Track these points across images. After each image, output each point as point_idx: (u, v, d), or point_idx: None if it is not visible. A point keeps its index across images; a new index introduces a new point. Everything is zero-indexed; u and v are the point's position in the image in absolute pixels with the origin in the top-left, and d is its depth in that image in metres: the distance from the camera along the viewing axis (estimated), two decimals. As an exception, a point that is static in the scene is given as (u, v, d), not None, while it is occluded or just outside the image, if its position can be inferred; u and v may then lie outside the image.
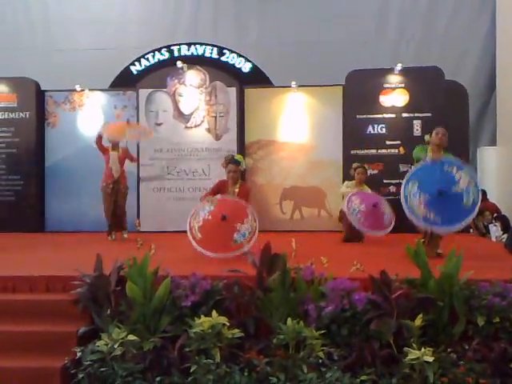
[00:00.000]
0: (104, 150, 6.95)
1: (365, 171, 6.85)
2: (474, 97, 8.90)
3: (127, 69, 8.78)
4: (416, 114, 7.86)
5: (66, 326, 3.75)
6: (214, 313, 3.47)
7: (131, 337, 3.49)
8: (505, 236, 6.53)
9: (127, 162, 7.09)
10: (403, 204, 4.83)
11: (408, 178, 4.90)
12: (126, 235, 7.01)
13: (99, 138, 6.87)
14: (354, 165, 6.93)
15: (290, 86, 8.26)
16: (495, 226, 7.24)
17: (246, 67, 8.72)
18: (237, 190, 5.70)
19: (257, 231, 5.01)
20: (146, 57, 8.78)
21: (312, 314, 3.52)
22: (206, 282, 3.70)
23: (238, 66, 8.72)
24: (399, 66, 7.91)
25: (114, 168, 6.90)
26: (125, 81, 8.66)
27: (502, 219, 7.53)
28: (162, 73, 8.40)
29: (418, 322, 3.38)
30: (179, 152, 8.28)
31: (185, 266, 4.47)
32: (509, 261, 4.75)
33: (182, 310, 3.60)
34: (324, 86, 8.21)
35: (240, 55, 8.76)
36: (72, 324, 3.75)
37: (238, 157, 5.97)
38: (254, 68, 8.72)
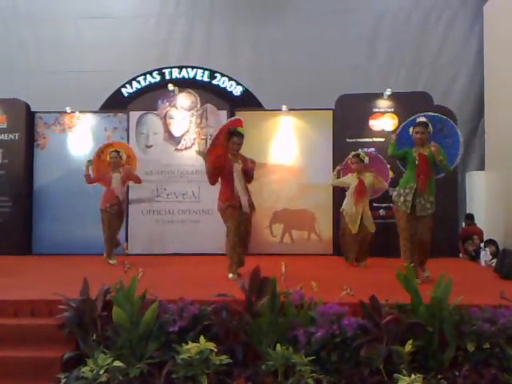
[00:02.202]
0: (98, 180, 6.98)
1: (358, 160, 6.64)
2: (463, 122, 9.02)
3: (118, 91, 8.80)
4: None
5: (51, 351, 3.68)
6: (202, 338, 3.43)
7: (117, 363, 3.42)
8: (494, 260, 6.55)
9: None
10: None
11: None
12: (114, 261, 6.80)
13: (87, 176, 6.93)
14: (350, 155, 6.87)
15: (280, 110, 8.34)
16: (484, 250, 7.27)
17: (237, 90, 8.79)
18: (240, 166, 5.44)
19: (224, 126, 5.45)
20: (137, 79, 8.82)
21: (301, 340, 3.49)
22: (193, 306, 3.66)
23: (229, 89, 8.78)
24: (389, 91, 8.03)
25: (117, 189, 6.86)
26: (116, 103, 8.68)
27: (492, 243, 7.56)
28: (153, 95, 8.46)
29: (408, 347, 3.36)
30: (169, 174, 8.29)
31: (173, 290, 4.44)
32: (498, 286, 4.76)
33: (170, 335, 3.55)
34: (314, 109, 8.30)
35: (231, 78, 8.84)
36: (57, 349, 3.69)
37: (241, 129, 5.54)
38: (245, 91, 8.79)
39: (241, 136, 5.45)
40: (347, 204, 6.71)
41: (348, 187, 6.82)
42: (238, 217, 5.39)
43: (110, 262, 6.73)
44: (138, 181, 7.19)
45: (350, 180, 6.74)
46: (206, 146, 5.49)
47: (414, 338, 3.41)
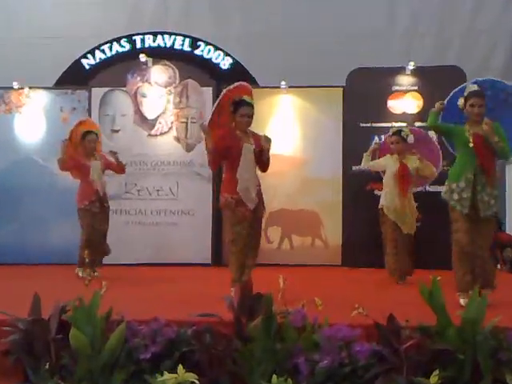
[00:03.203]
0: (72, 169, 6.82)
1: (400, 139, 6.39)
2: (503, 103, 9.07)
3: (78, 63, 8.78)
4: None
5: (-7, 383, 3.68)
6: (181, 368, 3.43)
7: (75, 398, 3.42)
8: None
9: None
10: None
11: None
12: (97, 273, 6.63)
13: (62, 161, 6.74)
14: (390, 131, 6.66)
15: (278, 87, 8.34)
16: (528, 260, 7.32)
17: (225, 63, 8.79)
18: (253, 146, 5.18)
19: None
20: (101, 48, 8.80)
21: (303, 370, 3.49)
22: (170, 328, 3.65)
23: (215, 61, 8.78)
24: (412, 65, 8.05)
25: (97, 181, 6.75)
26: (75, 77, 8.66)
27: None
28: (121, 68, 8.45)
29: (434, 379, 3.37)
30: (141, 166, 8.29)
31: (144, 308, 4.43)
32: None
33: (140, 364, 3.54)
34: (320, 87, 8.33)
35: (218, 48, 8.83)
36: (0, 381, 3.67)
37: (249, 98, 5.32)
38: (235, 64, 8.79)
39: (250, 106, 5.19)
40: (388, 197, 6.43)
41: (384, 172, 6.61)
42: (250, 216, 5.07)
43: (94, 274, 6.52)
44: (121, 169, 7.09)
45: (389, 163, 6.51)
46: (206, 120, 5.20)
47: (440, 368, 3.42)
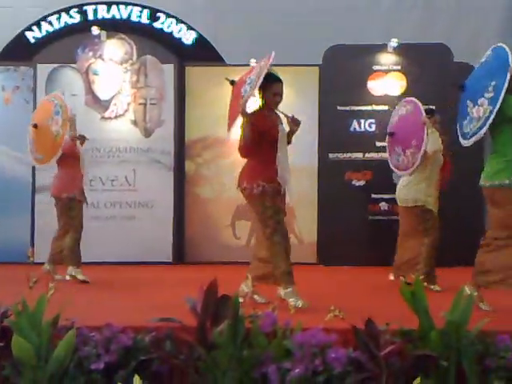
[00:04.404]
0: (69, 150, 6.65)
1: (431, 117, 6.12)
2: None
3: (21, 36, 8.66)
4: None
5: None
6: (137, 379, 3.42)
7: (18, 414, 3.40)
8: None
9: None
10: None
11: None
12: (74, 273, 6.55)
13: (73, 139, 6.61)
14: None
15: (247, 65, 8.30)
16: None
17: (188, 38, 8.75)
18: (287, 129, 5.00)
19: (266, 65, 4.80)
20: (48, 19, 8.69)
21: (273, 379, 3.51)
22: (125, 335, 3.64)
23: (177, 35, 8.74)
24: (394, 42, 8.12)
25: (83, 167, 6.70)
26: (18, 52, 8.55)
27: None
28: (70, 42, 8.37)
29: (416, 388, 3.43)
30: (93, 152, 8.23)
31: (97, 312, 4.43)
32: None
33: (92, 374, 3.52)
34: (294, 65, 8.31)
35: (180, 21, 8.79)
36: None
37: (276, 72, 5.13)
38: (200, 39, 8.76)
39: (282, 83, 5.05)
40: (428, 190, 6.09)
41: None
42: (284, 204, 5.02)
43: (79, 277, 6.47)
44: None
45: (438, 145, 6.10)
46: (241, 100, 4.82)
47: (422, 376, 3.47)
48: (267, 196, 4.87)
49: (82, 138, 6.87)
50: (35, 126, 6.56)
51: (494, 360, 3.56)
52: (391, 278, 6.29)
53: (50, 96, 7.02)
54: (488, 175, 4.72)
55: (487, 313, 4.31)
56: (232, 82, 5.00)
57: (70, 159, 6.64)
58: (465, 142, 4.81)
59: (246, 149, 4.99)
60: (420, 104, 6.10)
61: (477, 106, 4.66)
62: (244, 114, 4.85)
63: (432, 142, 5.94)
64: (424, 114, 6.03)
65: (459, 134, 4.87)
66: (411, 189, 6.10)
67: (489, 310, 4.61)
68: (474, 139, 4.70)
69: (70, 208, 6.65)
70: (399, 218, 6.38)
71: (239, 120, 4.86)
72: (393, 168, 6.34)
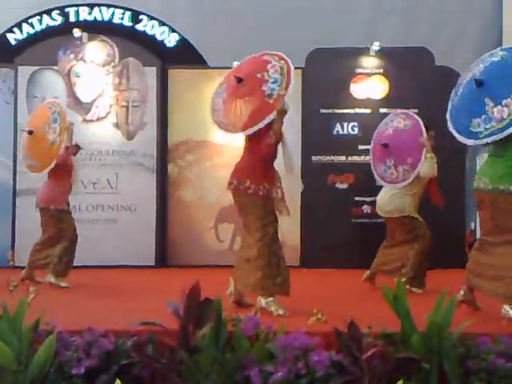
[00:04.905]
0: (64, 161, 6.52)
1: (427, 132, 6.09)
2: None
3: (2, 37, 8.63)
4: (398, 110, 8.10)
5: None
6: (119, 383, 3.41)
7: (-2, 419, 3.38)
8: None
9: None
10: None
11: None
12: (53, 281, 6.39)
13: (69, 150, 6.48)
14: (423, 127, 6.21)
15: (230, 67, 8.29)
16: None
17: (170, 40, 8.74)
18: None
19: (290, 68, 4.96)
20: (29, 21, 8.66)
21: (256, 382, 3.51)
22: (107, 339, 3.63)
23: (159, 37, 8.74)
24: (376, 46, 8.16)
25: (74, 179, 6.60)
26: (-2, 54, 8.51)
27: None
28: (51, 44, 8.32)
29: (398, 390, 3.44)
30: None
31: (78, 316, 4.39)
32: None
33: (73, 379, 3.50)
34: (277, 68, 8.32)
35: (163, 23, 8.78)
36: None
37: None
38: (182, 42, 8.75)
39: None
40: (412, 202, 6.12)
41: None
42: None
43: (61, 284, 6.34)
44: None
45: (433, 168, 6.04)
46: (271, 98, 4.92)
47: (404, 378, 3.48)
48: (270, 200, 4.94)
49: (77, 148, 6.77)
50: (30, 132, 6.43)
51: (475, 362, 3.58)
52: (364, 277, 6.30)
53: (49, 102, 6.87)
54: (493, 179, 4.56)
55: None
56: (240, 80, 4.98)
57: (61, 171, 6.48)
58: (470, 142, 4.67)
59: (276, 146, 4.96)
60: (421, 122, 6.08)
61: (499, 106, 4.43)
62: (281, 111, 4.88)
63: (428, 167, 5.94)
64: (425, 134, 6.02)
65: (458, 130, 4.67)
66: (394, 201, 6.11)
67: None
68: (489, 139, 4.49)
69: (60, 220, 6.53)
70: (387, 227, 6.31)
71: (272, 116, 4.86)
72: (376, 176, 6.32)
